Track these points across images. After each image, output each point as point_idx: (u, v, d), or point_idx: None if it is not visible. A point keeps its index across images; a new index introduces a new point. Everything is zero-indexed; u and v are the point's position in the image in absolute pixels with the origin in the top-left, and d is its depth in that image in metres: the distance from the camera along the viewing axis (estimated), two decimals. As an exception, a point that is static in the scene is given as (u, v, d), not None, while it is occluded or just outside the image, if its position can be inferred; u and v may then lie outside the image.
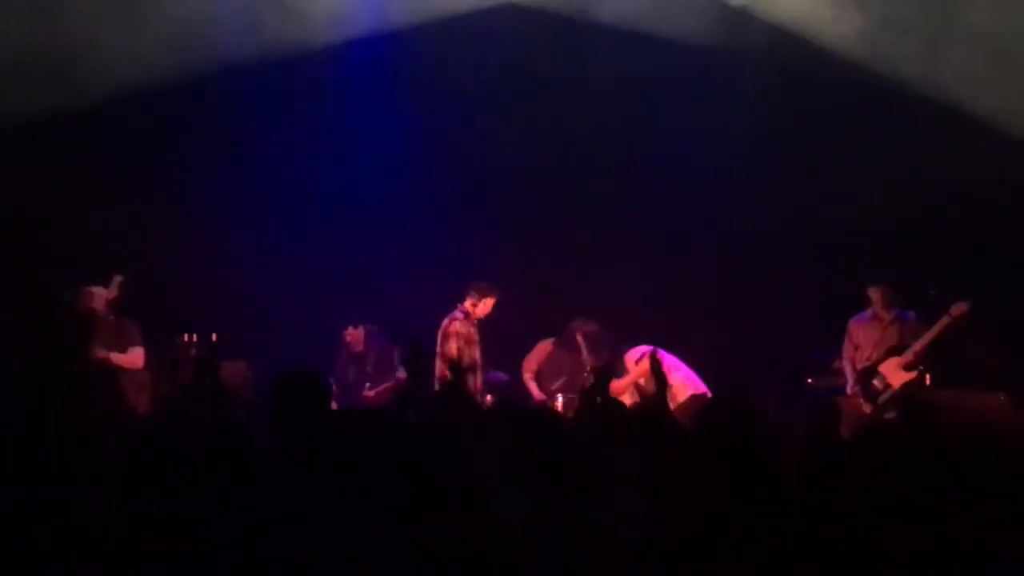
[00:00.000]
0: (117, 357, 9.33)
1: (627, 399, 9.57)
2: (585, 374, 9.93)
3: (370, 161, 11.54)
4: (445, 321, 10.10)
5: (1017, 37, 10.09)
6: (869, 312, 9.93)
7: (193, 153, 11.49)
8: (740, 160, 11.22)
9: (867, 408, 9.61)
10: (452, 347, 9.97)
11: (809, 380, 10.39)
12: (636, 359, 9.87)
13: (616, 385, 9.77)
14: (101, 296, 9.51)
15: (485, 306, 10.15)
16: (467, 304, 10.11)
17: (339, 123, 11.66)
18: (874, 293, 9.86)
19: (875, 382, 9.67)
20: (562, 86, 11.47)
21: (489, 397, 10.00)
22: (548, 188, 11.75)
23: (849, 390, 9.86)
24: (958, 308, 9.34)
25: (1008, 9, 10.09)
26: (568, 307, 10.69)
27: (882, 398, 9.59)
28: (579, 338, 10.27)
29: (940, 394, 9.20)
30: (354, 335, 10.80)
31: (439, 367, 9.92)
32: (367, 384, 10.69)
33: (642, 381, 9.77)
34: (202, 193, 11.46)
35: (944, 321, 9.39)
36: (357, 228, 11.53)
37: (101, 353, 9.28)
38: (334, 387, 10.22)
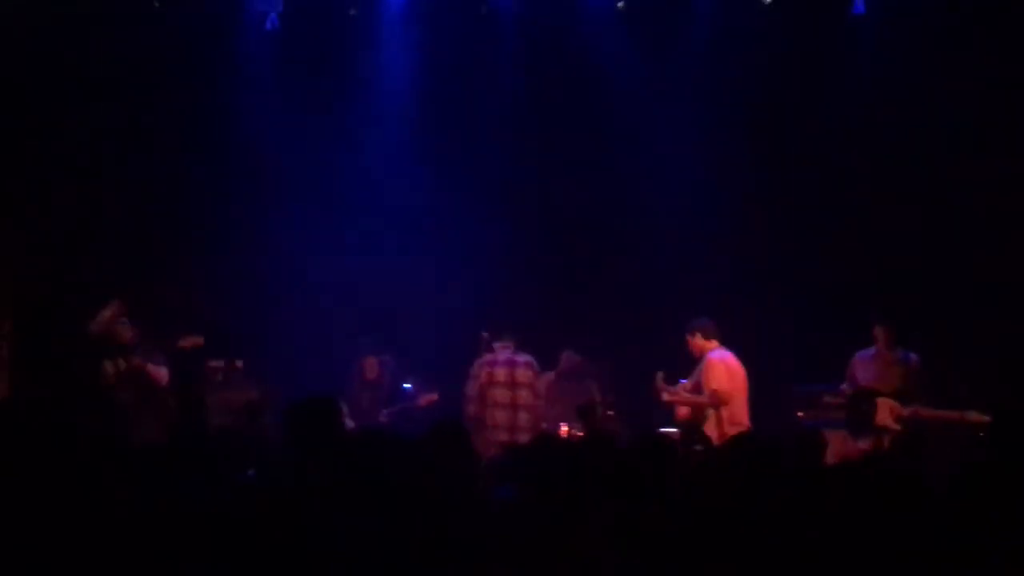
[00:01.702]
0: (151, 369, 9.69)
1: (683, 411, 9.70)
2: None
3: (394, 200, 11.69)
4: (529, 358, 10.42)
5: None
6: (873, 349, 9.78)
7: (221, 181, 11.62)
8: (724, 196, 11.31)
9: (851, 439, 9.43)
10: None
11: (799, 413, 10.25)
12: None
13: (678, 398, 9.79)
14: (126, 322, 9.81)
15: None
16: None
17: (369, 160, 11.78)
18: (879, 331, 9.70)
19: (865, 406, 9.54)
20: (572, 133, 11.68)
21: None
22: (555, 228, 11.85)
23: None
24: (979, 417, 9.02)
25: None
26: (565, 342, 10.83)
27: (859, 425, 9.48)
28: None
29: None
30: (370, 364, 10.89)
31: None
32: (382, 410, 10.75)
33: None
34: (230, 223, 11.60)
35: (960, 415, 9.16)
36: (380, 267, 11.60)
37: (137, 362, 9.56)
38: (347, 411, 10.33)
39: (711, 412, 9.48)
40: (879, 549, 4.23)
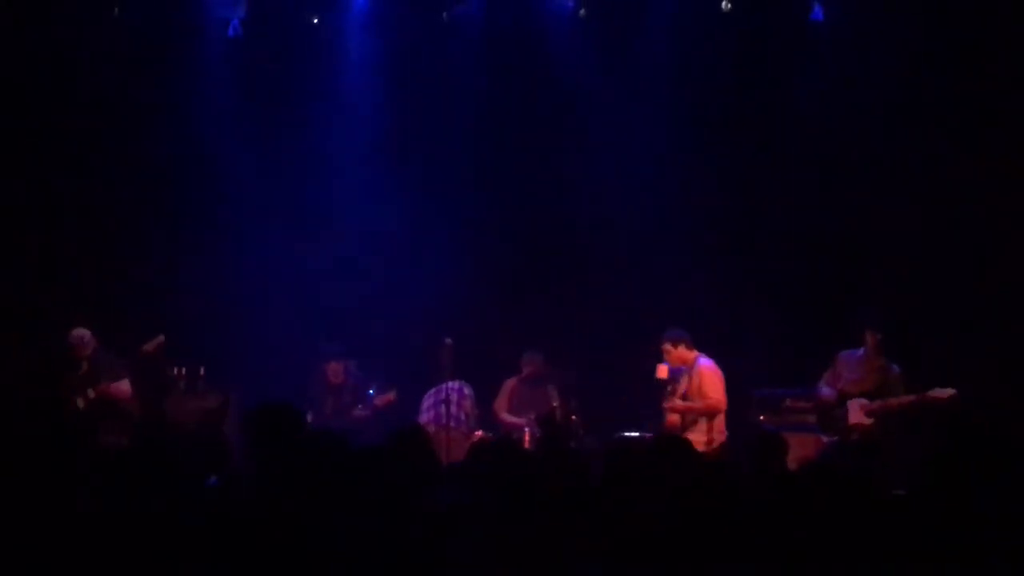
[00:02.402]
0: (114, 388, 9.74)
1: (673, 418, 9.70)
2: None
3: (356, 205, 11.65)
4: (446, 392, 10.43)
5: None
6: (861, 352, 9.60)
7: (183, 187, 11.59)
8: (686, 202, 11.31)
9: (824, 437, 9.49)
10: None
11: (761, 417, 10.22)
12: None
13: (677, 406, 9.71)
14: (88, 337, 9.82)
15: None
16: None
17: (330, 166, 11.76)
18: (871, 336, 9.50)
19: (838, 411, 9.47)
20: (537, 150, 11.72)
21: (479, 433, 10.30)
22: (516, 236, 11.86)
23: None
24: (943, 392, 9.03)
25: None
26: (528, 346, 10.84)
27: (832, 427, 9.49)
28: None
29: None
30: (334, 369, 10.85)
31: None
32: (357, 407, 10.80)
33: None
34: (193, 229, 11.58)
35: (922, 397, 9.12)
36: (343, 272, 11.55)
37: (101, 386, 9.52)
38: (310, 415, 10.32)
39: (702, 420, 9.56)
40: (831, 551, 4.20)
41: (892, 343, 9.45)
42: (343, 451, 4.88)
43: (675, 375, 9.79)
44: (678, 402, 9.69)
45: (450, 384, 10.43)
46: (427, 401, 10.74)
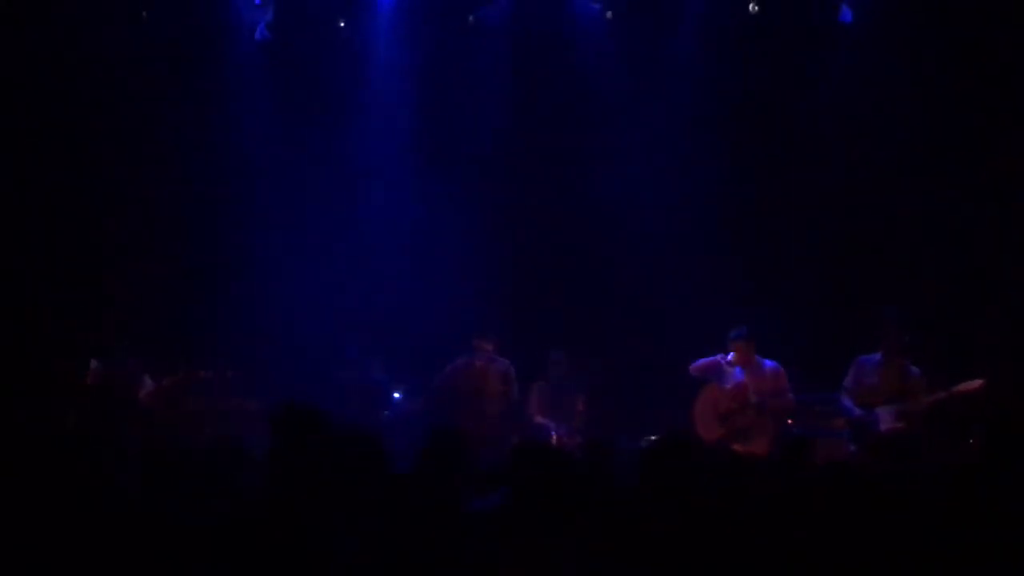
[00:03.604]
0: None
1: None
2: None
3: (382, 208, 11.73)
4: (505, 365, 10.24)
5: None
6: (879, 356, 9.48)
7: (211, 190, 11.61)
8: (712, 205, 11.27)
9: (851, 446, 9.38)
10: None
11: (789, 421, 10.15)
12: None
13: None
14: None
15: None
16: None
17: (357, 167, 11.82)
18: (889, 340, 9.38)
19: (867, 422, 9.28)
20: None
21: None
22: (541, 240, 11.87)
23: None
24: (971, 384, 8.98)
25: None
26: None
27: (865, 439, 9.40)
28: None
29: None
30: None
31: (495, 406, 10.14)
32: (384, 412, 10.78)
33: None
34: (222, 231, 11.58)
35: (951, 393, 9.05)
36: (371, 275, 11.55)
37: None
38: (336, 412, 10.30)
39: (770, 422, 9.46)
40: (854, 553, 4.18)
41: (911, 346, 9.37)
42: (373, 452, 4.84)
43: (718, 374, 9.60)
44: (772, 399, 9.47)
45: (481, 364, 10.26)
46: (456, 363, 10.40)
